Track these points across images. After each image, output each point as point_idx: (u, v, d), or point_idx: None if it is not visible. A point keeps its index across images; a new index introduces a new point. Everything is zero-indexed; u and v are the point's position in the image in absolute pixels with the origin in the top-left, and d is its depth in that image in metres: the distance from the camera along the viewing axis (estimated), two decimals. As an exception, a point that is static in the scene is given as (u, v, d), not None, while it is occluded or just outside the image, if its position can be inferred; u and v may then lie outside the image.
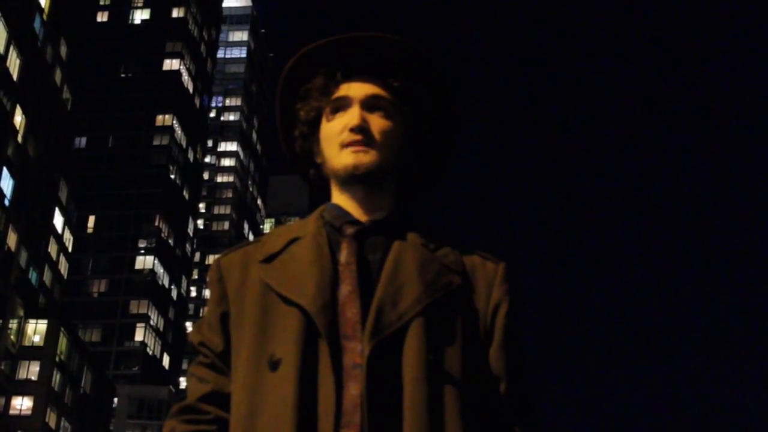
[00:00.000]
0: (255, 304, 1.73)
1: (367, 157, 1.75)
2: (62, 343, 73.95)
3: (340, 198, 1.81)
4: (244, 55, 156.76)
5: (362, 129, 1.75)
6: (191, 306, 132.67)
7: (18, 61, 67.36)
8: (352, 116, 1.76)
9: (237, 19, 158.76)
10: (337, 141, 1.77)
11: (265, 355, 1.66)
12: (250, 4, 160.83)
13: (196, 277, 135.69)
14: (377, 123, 1.77)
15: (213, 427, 1.76)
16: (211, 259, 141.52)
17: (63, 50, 77.91)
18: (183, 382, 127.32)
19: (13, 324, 70.12)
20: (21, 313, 71.35)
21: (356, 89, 1.79)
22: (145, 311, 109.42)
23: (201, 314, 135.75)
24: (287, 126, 1.90)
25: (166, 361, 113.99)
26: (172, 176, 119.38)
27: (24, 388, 70.18)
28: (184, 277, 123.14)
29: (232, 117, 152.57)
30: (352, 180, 1.76)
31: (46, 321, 73.10)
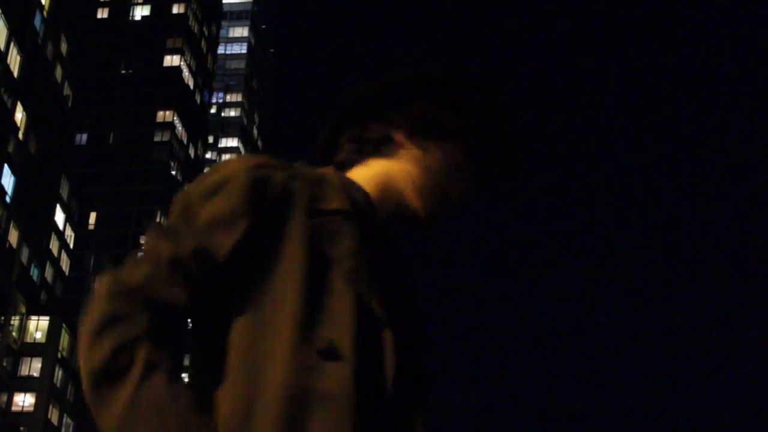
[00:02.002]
0: (300, 265, 1.45)
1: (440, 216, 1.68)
2: (64, 339, 74.13)
3: (389, 197, 1.65)
4: (244, 50, 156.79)
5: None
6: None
7: (18, 58, 67.46)
8: (465, 186, 1.68)
9: (237, 14, 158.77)
10: (442, 192, 1.66)
11: (317, 337, 1.42)
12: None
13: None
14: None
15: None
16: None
17: (63, 47, 78.00)
18: (185, 378, 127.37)
19: (15, 321, 70.31)
20: (23, 309, 71.52)
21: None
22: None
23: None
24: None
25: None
26: (173, 172, 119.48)
27: (26, 384, 70.36)
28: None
29: (233, 113, 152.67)
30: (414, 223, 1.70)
31: (47, 318, 73.29)
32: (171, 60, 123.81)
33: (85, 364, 1.39)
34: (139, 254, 1.58)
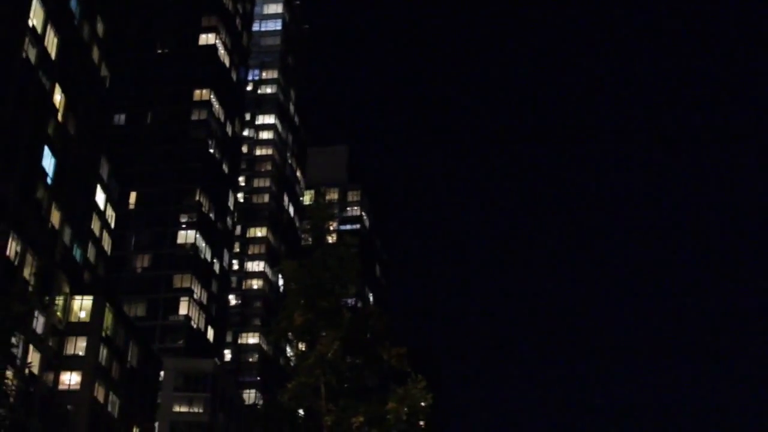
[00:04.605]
0: None
1: None
2: (108, 318, 74.92)
3: None
4: (279, 27, 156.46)
5: None
6: (234, 279, 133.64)
7: (55, 40, 67.80)
8: None
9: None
10: None
11: None
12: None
13: (237, 250, 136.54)
14: None
15: None
16: (251, 231, 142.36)
17: (99, 28, 78.27)
18: (227, 355, 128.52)
19: (60, 301, 71.11)
20: (66, 289, 72.32)
21: None
22: (189, 285, 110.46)
23: (243, 287, 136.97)
24: None
25: (210, 334, 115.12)
26: (211, 150, 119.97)
27: (72, 363, 71.28)
28: (225, 250, 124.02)
29: (269, 90, 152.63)
30: None
31: (91, 297, 74.07)
32: (206, 38, 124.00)
33: None
34: None
